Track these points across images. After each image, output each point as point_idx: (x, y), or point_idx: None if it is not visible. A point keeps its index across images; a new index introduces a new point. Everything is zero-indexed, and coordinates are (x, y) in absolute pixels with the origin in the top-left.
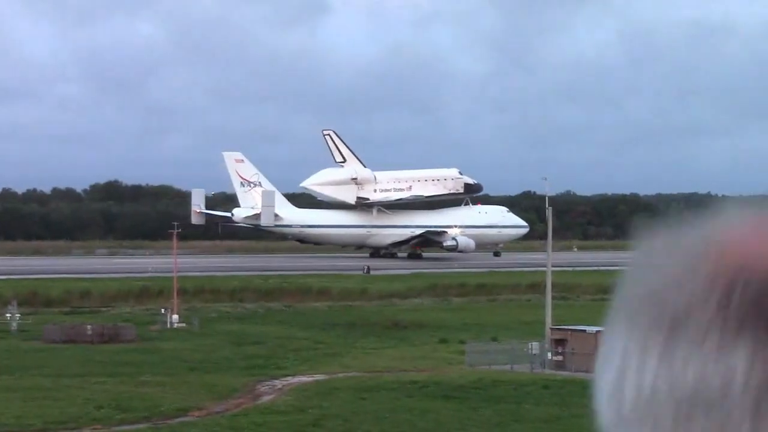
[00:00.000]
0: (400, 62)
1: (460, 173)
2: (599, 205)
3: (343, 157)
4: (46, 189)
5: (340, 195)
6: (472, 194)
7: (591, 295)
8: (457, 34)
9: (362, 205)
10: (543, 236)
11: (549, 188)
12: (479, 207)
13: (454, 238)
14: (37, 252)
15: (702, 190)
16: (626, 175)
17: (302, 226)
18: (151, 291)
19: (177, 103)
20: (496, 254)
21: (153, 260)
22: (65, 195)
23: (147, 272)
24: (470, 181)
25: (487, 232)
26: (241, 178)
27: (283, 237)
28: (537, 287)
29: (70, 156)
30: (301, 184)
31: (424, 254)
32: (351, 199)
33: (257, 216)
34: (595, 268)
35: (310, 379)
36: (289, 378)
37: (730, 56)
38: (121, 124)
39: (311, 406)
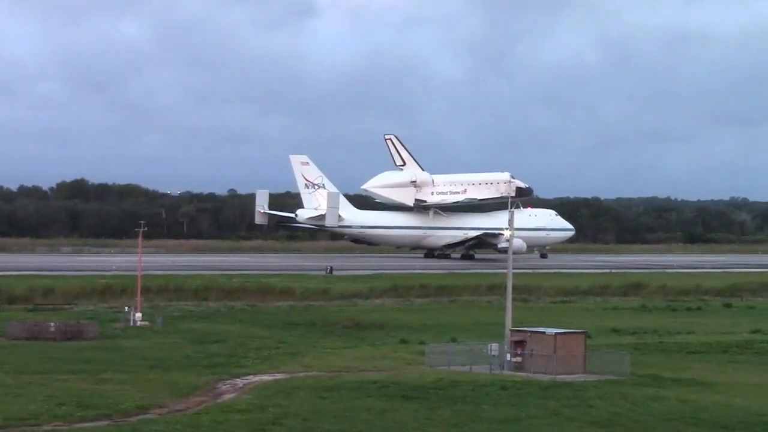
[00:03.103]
0: (380, 65)
1: (512, 177)
2: (560, 209)
3: (403, 161)
4: (13, 186)
5: (399, 197)
6: (522, 198)
7: (551, 297)
8: (438, 38)
9: (419, 207)
10: None
11: (513, 192)
12: (529, 210)
13: (508, 240)
14: (0, 249)
15: (662, 195)
16: (590, 178)
17: (362, 227)
18: (115, 289)
19: (155, 103)
20: (543, 256)
21: (117, 258)
22: (31, 192)
23: (111, 270)
24: (522, 185)
25: (536, 234)
26: (306, 180)
27: (341, 236)
28: (497, 289)
29: (39, 154)
30: (362, 186)
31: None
32: (410, 201)
33: (321, 217)
34: (556, 270)
35: (271, 378)
36: (250, 377)
37: (706, 63)
38: (96, 123)
39: (271, 404)
